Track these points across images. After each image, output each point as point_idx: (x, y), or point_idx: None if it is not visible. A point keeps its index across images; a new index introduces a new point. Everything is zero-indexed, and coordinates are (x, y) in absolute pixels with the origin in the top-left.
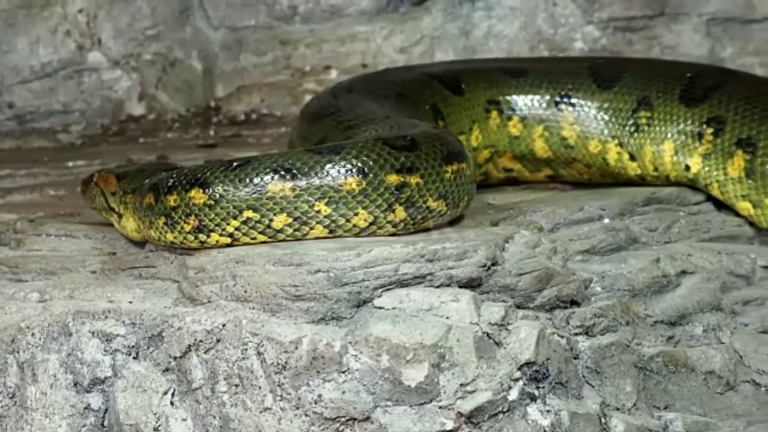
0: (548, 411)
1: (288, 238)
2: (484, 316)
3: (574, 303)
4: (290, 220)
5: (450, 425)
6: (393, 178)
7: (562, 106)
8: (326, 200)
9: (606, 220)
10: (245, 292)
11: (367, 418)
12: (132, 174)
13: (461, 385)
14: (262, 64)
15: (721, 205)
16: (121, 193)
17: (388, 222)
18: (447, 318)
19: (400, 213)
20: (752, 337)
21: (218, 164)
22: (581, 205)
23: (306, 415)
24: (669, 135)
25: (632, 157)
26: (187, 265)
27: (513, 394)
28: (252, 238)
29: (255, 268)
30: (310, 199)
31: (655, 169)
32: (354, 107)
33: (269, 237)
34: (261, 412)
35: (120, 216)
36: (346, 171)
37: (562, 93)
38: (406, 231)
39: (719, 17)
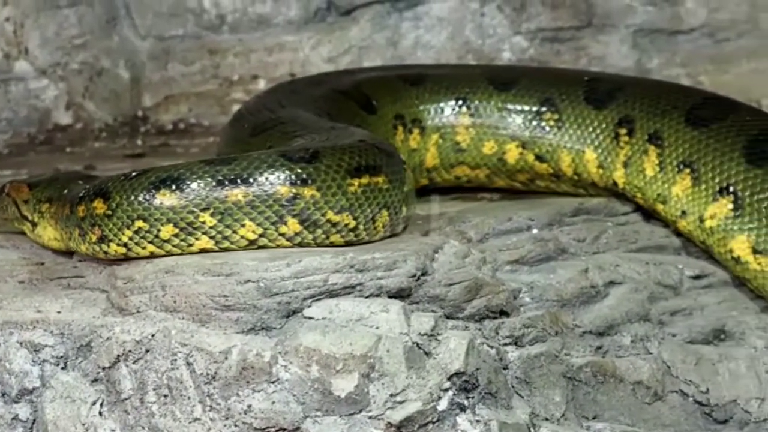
0: (478, 421)
1: (175, 249)
2: (413, 327)
3: (503, 313)
4: (176, 230)
5: None
6: (284, 190)
7: (462, 111)
8: (211, 211)
9: (535, 231)
10: (174, 302)
11: (297, 429)
12: (45, 182)
13: (391, 395)
14: (190, 73)
15: (649, 216)
16: (35, 201)
17: (281, 234)
18: (377, 328)
19: (294, 225)
20: (680, 348)
21: (120, 175)
22: (510, 215)
23: (235, 426)
24: (586, 140)
25: (540, 159)
26: (116, 275)
27: (443, 405)
28: (143, 248)
29: (184, 278)
30: (195, 209)
31: (576, 173)
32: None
33: (157, 247)
34: (190, 422)
35: (34, 224)
36: (232, 182)
37: (460, 97)
38: (311, 244)
39: (646, 29)
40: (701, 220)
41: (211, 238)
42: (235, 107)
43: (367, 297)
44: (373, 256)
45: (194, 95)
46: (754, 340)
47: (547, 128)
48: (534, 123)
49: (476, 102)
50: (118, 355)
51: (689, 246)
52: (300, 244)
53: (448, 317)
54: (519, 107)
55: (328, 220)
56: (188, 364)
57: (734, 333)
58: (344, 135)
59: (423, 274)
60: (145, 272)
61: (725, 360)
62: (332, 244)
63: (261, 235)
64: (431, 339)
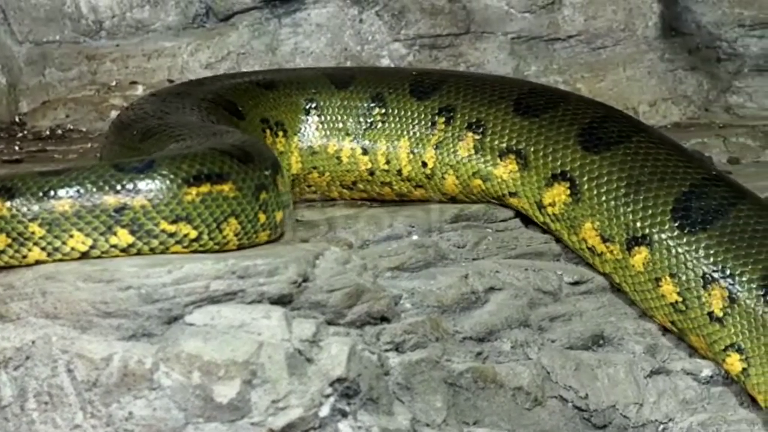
0: (359, 427)
1: (12, 260)
2: (295, 333)
3: (384, 319)
4: (9, 240)
5: None
6: (111, 200)
7: (311, 112)
8: (39, 221)
9: (415, 237)
10: (55, 308)
11: None
12: None
13: (273, 401)
14: (68, 79)
15: (528, 222)
16: None
17: (113, 246)
18: (258, 335)
19: (125, 236)
20: (559, 353)
21: None
22: (390, 221)
23: None
24: (404, 131)
25: (364, 152)
26: None
27: (324, 411)
28: None
29: (65, 284)
30: (24, 219)
31: (387, 162)
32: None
33: None
34: (71, 429)
35: None
36: (58, 192)
37: (308, 98)
38: (149, 254)
39: (524, 36)
40: (541, 206)
41: (43, 249)
42: (114, 113)
43: (248, 303)
44: (254, 263)
45: (72, 101)
46: (632, 345)
47: (375, 123)
48: (364, 119)
49: (322, 102)
50: None
51: (568, 252)
52: (141, 254)
53: (329, 323)
54: (354, 104)
55: (163, 230)
56: (69, 370)
57: (613, 338)
58: (216, 140)
59: (304, 281)
60: (25, 279)
61: (604, 365)
62: (178, 254)
63: (92, 247)
64: (313, 345)
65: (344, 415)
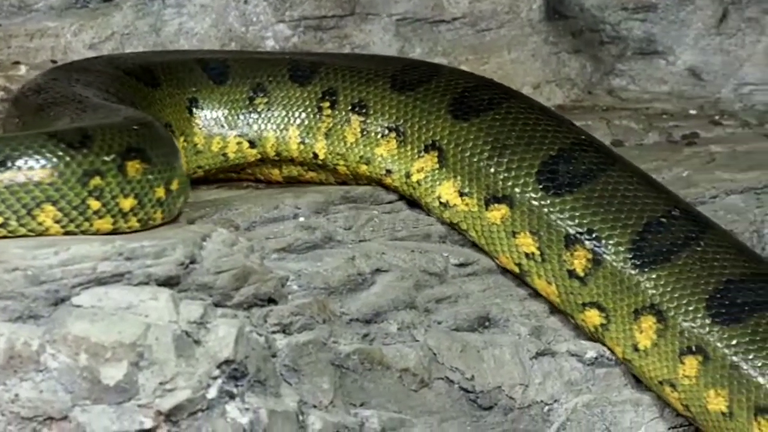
0: (247, 409)
1: None
2: (182, 315)
3: (271, 301)
4: None
5: (149, 424)
6: None
7: (193, 111)
8: None
9: (302, 219)
10: None
11: (65, 417)
12: None
13: (160, 383)
14: None
15: (414, 204)
16: None
17: None
18: (146, 316)
19: None
20: (445, 335)
21: None
22: (277, 203)
23: (2, 415)
24: (291, 120)
25: (252, 144)
26: None
27: (212, 393)
28: None
29: None
30: None
31: (277, 154)
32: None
33: None
34: None
35: None
36: None
37: (190, 98)
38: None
39: (409, 17)
40: (408, 176)
41: None
42: None
43: (136, 285)
44: (141, 244)
45: None
46: (518, 327)
47: (260, 113)
48: (248, 112)
49: (202, 100)
50: None
51: (454, 234)
52: None
53: (217, 305)
54: (235, 98)
55: None
56: None
57: (498, 320)
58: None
59: (191, 262)
60: None
61: (490, 347)
62: None
63: None
64: (200, 327)
65: (232, 396)
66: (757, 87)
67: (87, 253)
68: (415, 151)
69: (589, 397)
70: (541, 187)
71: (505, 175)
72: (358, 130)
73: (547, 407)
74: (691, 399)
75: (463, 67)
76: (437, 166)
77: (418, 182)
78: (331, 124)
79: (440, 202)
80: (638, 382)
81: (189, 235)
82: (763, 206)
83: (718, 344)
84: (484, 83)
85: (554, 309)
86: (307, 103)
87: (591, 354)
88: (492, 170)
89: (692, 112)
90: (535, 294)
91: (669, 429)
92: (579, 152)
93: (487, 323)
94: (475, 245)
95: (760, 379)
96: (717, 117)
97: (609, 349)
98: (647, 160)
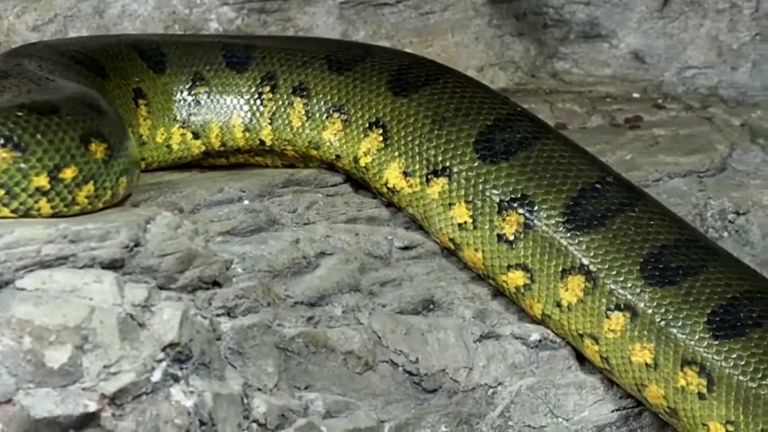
0: (192, 392)
1: None
2: (127, 298)
3: (216, 284)
4: None
5: (93, 407)
6: None
7: (138, 101)
8: None
9: (246, 202)
10: None
11: (9, 401)
12: None
13: (105, 366)
14: None
15: (358, 187)
16: None
17: None
18: (90, 299)
19: None
20: (390, 318)
21: None
22: (221, 186)
23: None
24: (233, 107)
25: (196, 136)
26: None
27: (156, 376)
28: None
29: None
30: None
31: (223, 145)
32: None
33: None
34: None
35: None
36: None
37: (134, 88)
38: None
39: (352, 1)
40: (356, 160)
41: None
42: None
43: (80, 268)
44: (85, 227)
45: None
46: (462, 310)
47: (200, 103)
48: (189, 101)
49: (146, 90)
50: None
51: (399, 217)
52: None
53: (161, 288)
54: (175, 87)
55: None
56: None
57: (443, 303)
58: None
59: (136, 245)
60: None
61: (434, 330)
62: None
63: None
64: (145, 310)
65: (176, 380)
66: (699, 70)
67: (31, 236)
68: (360, 129)
69: (533, 380)
70: (478, 156)
71: (445, 147)
72: (303, 112)
73: (491, 390)
74: (613, 351)
75: (408, 50)
76: (382, 145)
77: (366, 167)
78: (273, 108)
79: (388, 188)
80: (582, 364)
81: (133, 218)
82: (705, 189)
83: (650, 303)
84: (417, 60)
85: (498, 292)
86: (246, 89)
87: (535, 337)
88: (433, 143)
89: (635, 95)
90: (479, 277)
91: (612, 411)
92: (515, 122)
93: (431, 306)
94: (420, 228)
95: (689, 335)
96: (660, 100)
97: (524, 309)
98: (590, 144)
